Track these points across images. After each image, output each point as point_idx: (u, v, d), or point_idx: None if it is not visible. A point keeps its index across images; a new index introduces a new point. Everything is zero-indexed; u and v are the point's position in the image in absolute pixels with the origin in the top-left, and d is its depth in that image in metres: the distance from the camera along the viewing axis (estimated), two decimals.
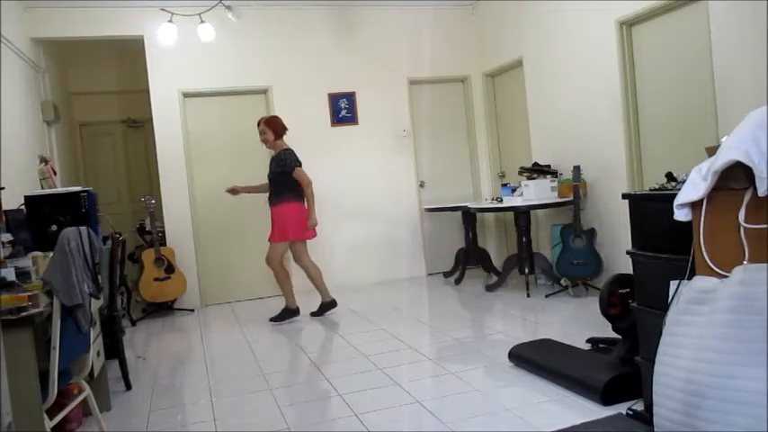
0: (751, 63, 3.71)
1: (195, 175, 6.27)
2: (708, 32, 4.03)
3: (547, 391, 3.01)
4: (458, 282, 6.23)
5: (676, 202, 2.20)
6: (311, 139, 6.48)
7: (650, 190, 2.64)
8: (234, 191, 5.30)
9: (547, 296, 5.21)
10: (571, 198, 5.21)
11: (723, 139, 2.09)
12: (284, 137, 5.22)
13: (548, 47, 5.75)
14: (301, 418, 2.97)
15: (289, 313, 5.17)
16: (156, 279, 5.85)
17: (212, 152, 6.30)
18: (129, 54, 6.67)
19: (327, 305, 5.27)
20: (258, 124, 5.20)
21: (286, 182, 5.03)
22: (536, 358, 3.29)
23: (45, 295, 2.34)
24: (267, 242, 5.14)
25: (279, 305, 5.20)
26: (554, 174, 5.59)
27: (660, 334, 2.21)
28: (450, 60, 6.96)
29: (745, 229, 2.00)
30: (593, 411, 2.70)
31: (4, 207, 3.34)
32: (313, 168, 6.50)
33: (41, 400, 2.23)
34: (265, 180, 5.23)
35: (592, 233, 5.16)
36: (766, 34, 3.59)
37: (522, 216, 5.44)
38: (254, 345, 4.50)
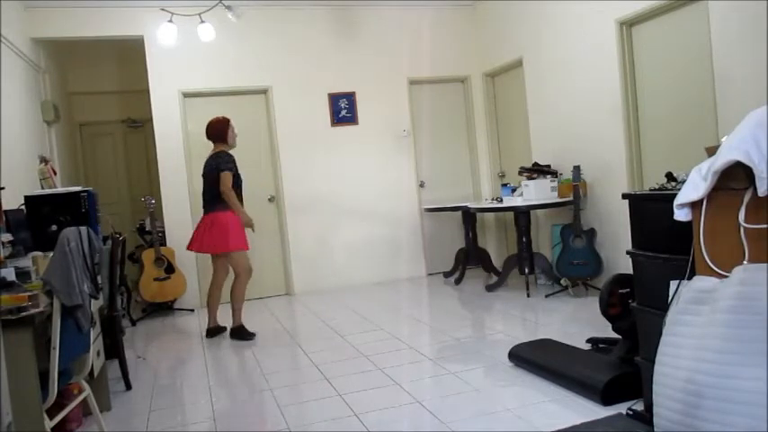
0: (751, 63, 3.71)
1: (195, 175, 6.25)
2: (708, 32, 4.03)
3: (547, 391, 3.01)
4: (458, 282, 6.23)
5: (676, 202, 2.20)
6: (311, 139, 6.49)
7: (650, 190, 2.64)
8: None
9: (547, 296, 5.21)
10: (571, 198, 5.21)
11: (723, 139, 2.09)
12: (214, 142, 4.84)
13: (548, 47, 5.75)
14: (301, 418, 2.96)
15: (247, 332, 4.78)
16: (156, 279, 5.85)
17: None
18: (129, 54, 6.67)
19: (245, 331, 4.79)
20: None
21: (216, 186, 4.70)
22: (536, 358, 3.29)
23: (45, 295, 2.34)
24: (242, 248, 4.78)
25: (278, 305, 5.19)
26: (554, 174, 5.59)
27: (660, 334, 2.21)
28: (450, 60, 6.96)
29: (745, 229, 2.00)
30: (593, 411, 2.70)
31: (4, 207, 3.34)
32: (313, 168, 6.54)
33: (41, 400, 2.23)
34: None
35: (592, 233, 5.16)
36: (766, 34, 3.59)
37: (522, 216, 5.44)
38: (254, 345, 4.50)
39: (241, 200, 4.82)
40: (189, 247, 4.84)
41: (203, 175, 4.81)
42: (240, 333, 4.71)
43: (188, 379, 3.83)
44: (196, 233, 4.79)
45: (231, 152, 4.82)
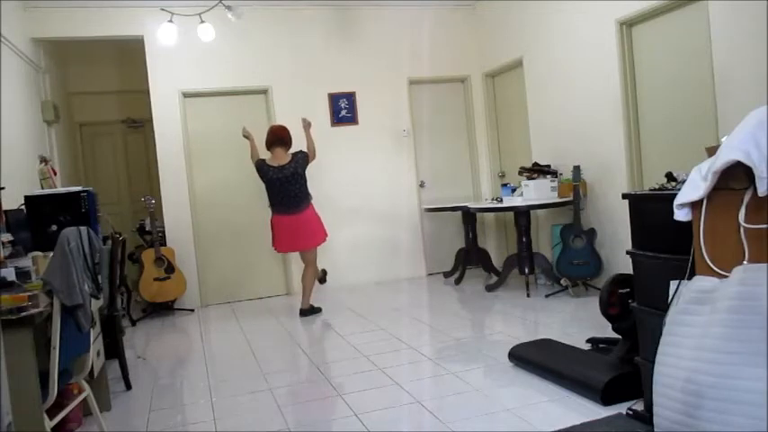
0: (751, 63, 3.71)
1: (195, 175, 6.26)
2: (708, 32, 4.03)
3: (547, 391, 3.01)
4: (458, 282, 6.22)
5: (676, 202, 2.20)
6: None
7: (650, 190, 2.64)
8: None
9: (547, 296, 5.21)
10: (571, 198, 5.21)
11: (723, 139, 2.09)
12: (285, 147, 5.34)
13: (548, 47, 5.75)
14: (301, 418, 2.97)
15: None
16: (156, 279, 5.85)
17: (212, 152, 6.29)
18: (129, 54, 6.67)
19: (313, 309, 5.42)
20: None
21: (306, 185, 5.27)
22: (536, 358, 3.29)
23: (45, 295, 2.34)
24: (281, 248, 5.37)
25: (278, 305, 5.19)
26: (554, 174, 5.59)
27: (660, 334, 2.21)
28: (450, 60, 6.96)
29: (745, 229, 2.00)
30: (593, 411, 2.70)
31: (4, 207, 3.34)
32: (313, 168, 6.52)
33: (41, 400, 2.23)
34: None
35: (592, 233, 5.16)
36: (766, 34, 3.59)
37: (522, 216, 5.43)
38: (254, 345, 4.50)
39: (279, 201, 5.23)
40: (280, 250, 5.39)
41: (285, 181, 5.15)
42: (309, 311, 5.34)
43: (188, 379, 3.83)
44: (286, 234, 5.22)
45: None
